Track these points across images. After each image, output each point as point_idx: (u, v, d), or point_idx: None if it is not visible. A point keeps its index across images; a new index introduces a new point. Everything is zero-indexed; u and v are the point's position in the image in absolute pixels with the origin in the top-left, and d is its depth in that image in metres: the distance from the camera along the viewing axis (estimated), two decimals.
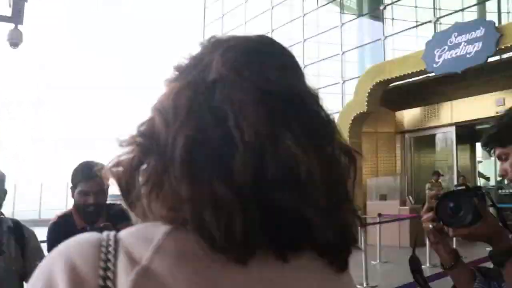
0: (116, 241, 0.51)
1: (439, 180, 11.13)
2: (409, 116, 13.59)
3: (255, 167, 0.50)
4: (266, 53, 0.60)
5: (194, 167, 0.50)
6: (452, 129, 12.51)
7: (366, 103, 11.88)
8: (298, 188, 0.52)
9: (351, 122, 12.09)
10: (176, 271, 0.48)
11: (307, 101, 0.58)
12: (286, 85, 0.56)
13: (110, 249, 0.49)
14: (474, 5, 12.02)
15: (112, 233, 0.52)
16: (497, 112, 10.19)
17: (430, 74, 11.38)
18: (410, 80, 12.40)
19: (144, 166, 0.54)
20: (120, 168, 0.55)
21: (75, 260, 0.48)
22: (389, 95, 12.52)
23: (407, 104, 13.36)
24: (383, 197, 11.60)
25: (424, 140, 13.80)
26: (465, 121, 12.14)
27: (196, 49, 0.61)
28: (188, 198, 0.49)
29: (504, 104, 10.61)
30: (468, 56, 9.91)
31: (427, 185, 10.97)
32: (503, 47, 9.58)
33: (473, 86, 11.58)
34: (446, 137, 13.00)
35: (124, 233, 0.52)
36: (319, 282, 0.56)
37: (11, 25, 6.80)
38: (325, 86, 13.56)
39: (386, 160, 13.52)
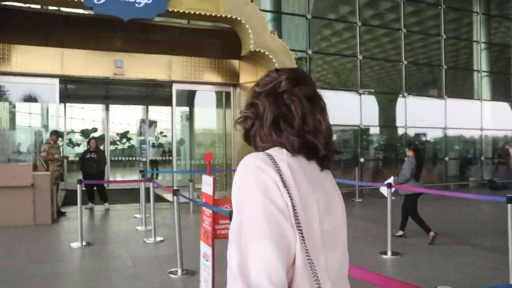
0: (267, 153, 1.18)
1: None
2: None
3: (302, 125, 1.22)
4: (303, 77, 1.31)
5: (277, 126, 1.22)
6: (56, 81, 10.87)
7: None
8: (320, 134, 1.23)
9: None
10: (295, 163, 1.17)
11: (321, 100, 1.30)
12: (312, 91, 1.28)
13: (269, 155, 1.17)
14: None
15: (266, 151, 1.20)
16: (115, 74, 10.87)
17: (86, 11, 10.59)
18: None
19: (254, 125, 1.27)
20: (243, 124, 1.30)
21: (263, 158, 1.15)
22: None
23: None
24: None
25: None
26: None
27: (269, 72, 1.33)
28: (273, 141, 1.22)
29: (122, 66, 10.87)
30: (137, 6, 9.61)
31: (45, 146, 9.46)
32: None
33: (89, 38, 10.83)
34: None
35: (269, 151, 1.19)
36: (327, 175, 1.30)
37: None
38: None
39: None
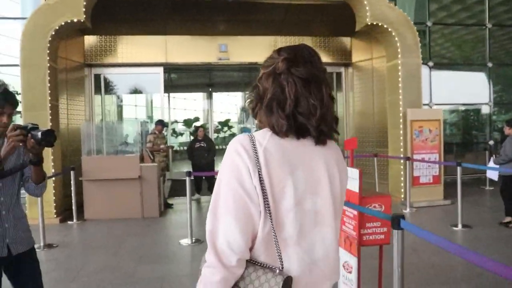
0: (253, 136, 1.33)
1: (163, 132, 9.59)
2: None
3: (294, 107, 1.32)
4: (303, 57, 1.36)
5: (270, 108, 1.33)
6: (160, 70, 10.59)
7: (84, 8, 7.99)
8: (313, 117, 1.32)
9: (53, 33, 7.97)
10: (274, 147, 1.30)
11: (320, 80, 1.36)
12: (310, 73, 1.34)
13: (252, 139, 1.31)
14: None
15: (251, 133, 1.35)
16: (219, 59, 10.35)
17: None
18: None
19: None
20: (251, 104, 1.44)
21: (243, 143, 1.30)
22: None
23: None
24: None
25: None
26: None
27: (272, 53, 1.42)
28: (266, 121, 1.35)
29: (227, 50, 10.32)
30: None
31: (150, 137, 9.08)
32: None
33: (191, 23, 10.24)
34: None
35: (255, 133, 1.34)
36: (323, 153, 1.39)
37: None
38: None
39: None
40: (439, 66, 12.18)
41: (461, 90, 12.53)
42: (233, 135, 25.09)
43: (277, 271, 1.26)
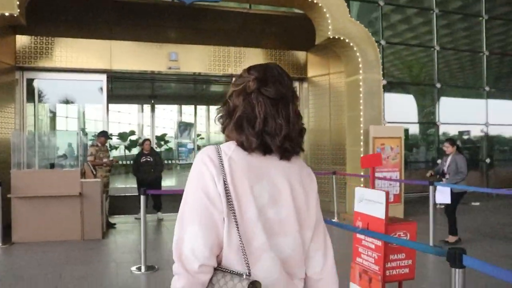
0: (219, 147, 1.36)
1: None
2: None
3: (262, 126, 1.32)
4: (273, 76, 1.39)
5: (240, 125, 1.34)
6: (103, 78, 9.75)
7: (17, 1, 7.30)
8: (277, 137, 1.33)
9: None
10: (239, 158, 1.32)
11: (288, 99, 1.38)
12: (279, 92, 1.37)
13: (218, 150, 1.34)
14: None
15: (217, 145, 1.38)
16: (169, 68, 9.71)
17: None
18: None
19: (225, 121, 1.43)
20: (220, 120, 1.45)
21: (210, 153, 1.34)
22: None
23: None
24: None
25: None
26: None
27: (242, 72, 1.44)
28: (234, 137, 1.36)
29: (178, 59, 9.72)
30: None
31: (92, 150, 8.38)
32: None
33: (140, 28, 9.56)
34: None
35: (222, 145, 1.37)
36: (286, 168, 1.39)
37: None
38: None
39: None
40: (391, 85, 12.15)
41: (411, 109, 12.60)
42: (169, 150, 24.15)
43: (244, 276, 1.27)
